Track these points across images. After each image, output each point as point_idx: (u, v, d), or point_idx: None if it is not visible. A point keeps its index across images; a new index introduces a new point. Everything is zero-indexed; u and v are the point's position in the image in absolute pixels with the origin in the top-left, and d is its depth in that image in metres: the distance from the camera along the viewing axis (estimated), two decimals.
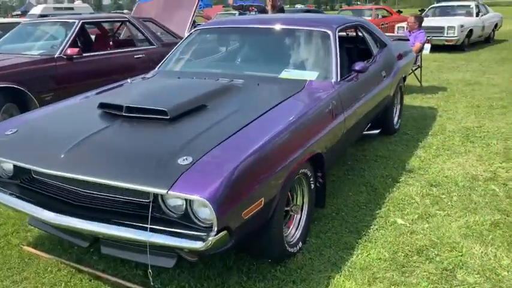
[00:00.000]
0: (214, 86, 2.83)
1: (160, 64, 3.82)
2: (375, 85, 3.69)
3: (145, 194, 1.98)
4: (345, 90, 3.05)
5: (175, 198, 1.90)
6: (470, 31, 12.15)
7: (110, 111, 2.54)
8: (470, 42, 12.50)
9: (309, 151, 2.42)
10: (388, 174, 3.70)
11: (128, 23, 6.18)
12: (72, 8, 25.96)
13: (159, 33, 6.59)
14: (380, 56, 4.06)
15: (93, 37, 6.87)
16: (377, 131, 4.03)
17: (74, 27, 5.38)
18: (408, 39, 6.35)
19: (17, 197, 2.32)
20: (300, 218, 2.58)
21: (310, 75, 3.13)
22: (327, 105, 2.75)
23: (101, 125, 2.39)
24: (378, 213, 3.04)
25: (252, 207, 1.94)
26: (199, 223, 1.88)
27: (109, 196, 2.11)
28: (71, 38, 5.28)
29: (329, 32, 3.32)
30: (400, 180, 3.58)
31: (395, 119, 4.77)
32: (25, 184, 2.40)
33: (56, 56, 5.07)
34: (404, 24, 11.35)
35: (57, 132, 2.45)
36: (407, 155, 4.14)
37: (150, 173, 1.92)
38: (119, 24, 6.90)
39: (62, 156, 2.12)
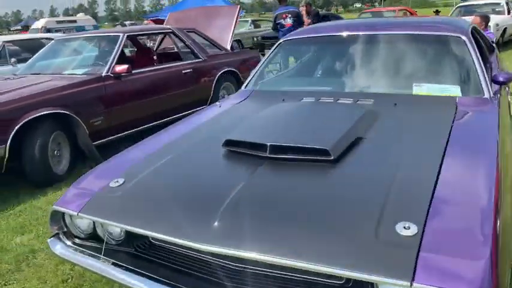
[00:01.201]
0: (354, 112, 2.25)
1: (247, 82, 3.25)
2: None
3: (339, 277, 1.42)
4: (502, 109, 2.48)
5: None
6: (504, 30, 11.63)
7: (241, 150, 1.96)
8: (504, 41, 11.99)
9: None
10: None
11: (172, 35, 5.61)
12: (75, 21, 25.43)
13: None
14: (494, 62, 3.51)
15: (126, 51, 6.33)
16: None
17: (119, 41, 4.82)
18: None
19: (134, 271, 1.75)
20: None
21: (453, 90, 2.56)
22: (504, 130, 2.17)
23: (242, 173, 1.82)
24: None
25: None
26: None
27: (279, 274, 1.53)
28: (117, 54, 4.72)
29: (463, 37, 2.76)
30: None
31: None
32: (142, 253, 1.82)
33: (103, 74, 4.50)
34: None
35: (181, 183, 1.87)
36: None
37: (366, 253, 1.33)
38: (161, 36, 6.33)
39: (216, 224, 1.53)
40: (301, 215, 1.52)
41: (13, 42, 7.10)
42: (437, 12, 15.80)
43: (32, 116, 3.79)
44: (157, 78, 5.09)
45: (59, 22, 24.23)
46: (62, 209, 1.87)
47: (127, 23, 21.98)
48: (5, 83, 4.55)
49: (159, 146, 2.28)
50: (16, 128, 3.68)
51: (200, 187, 1.79)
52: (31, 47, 7.76)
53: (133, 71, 4.67)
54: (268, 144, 1.86)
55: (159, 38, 7.01)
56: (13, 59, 6.77)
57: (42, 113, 3.87)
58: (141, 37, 6.46)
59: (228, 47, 6.42)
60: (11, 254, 2.87)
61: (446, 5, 43.95)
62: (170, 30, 5.57)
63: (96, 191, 1.91)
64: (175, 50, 5.98)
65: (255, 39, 15.18)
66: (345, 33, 3.15)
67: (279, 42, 3.39)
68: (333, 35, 3.15)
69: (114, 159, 2.28)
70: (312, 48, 3.47)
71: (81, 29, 21.84)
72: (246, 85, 3.24)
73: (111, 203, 1.84)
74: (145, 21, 21.84)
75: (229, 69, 6.14)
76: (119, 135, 4.68)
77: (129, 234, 1.83)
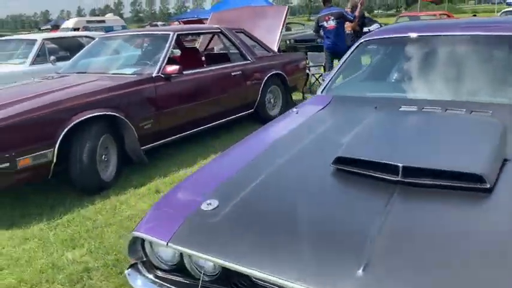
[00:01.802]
0: (489, 126, 1.88)
1: (323, 87, 2.90)
2: None
3: None
4: None
5: None
6: None
7: (358, 170, 1.61)
8: None
9: None
10: None
11: (220, 35, 5.31)
12: (104, 21, 25.53)
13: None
14: None
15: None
16: None
17: (169, 40, 4.54)
18: None
19: None
20: None
21: None
22: None
23: (371, 202, 1.48)
24: None
25: None
26: None
27: None
28: (168, 54, 4.43)
29: None
30: None
31: None
32: None
33: (154, 75, 4.22)
34: None
35: (292, 212, 1.53)
36: None
37: None
38: (210, 36, 6.04)
39: (361, 272, 1.19)
40: (472, 263, 1.17)
41: (52, 40, 6.92)
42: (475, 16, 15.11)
43: (82, 118, 3.52)
44: (207, 80, 4.80)
45: (88, 22, 24.31)
46: (147, 237, 1.55)
47: (159, 23, 21.82)
48: (50, 82, 4.32)
49: (247, 159, 1.95)
50: (65, 130, 3.42)
51: (321, 218, 1.45)
52: (69, 46, 7.60)
53: (183, 72, 4.37)
54: (401, 165, 1.51)
55: (201, 38, 6.74)
56: (52, 57, 6.57)
57: (93, 115, 3.60)
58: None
59: (276, 49, 6.10)
60: (64, 272, 2.58)
61: (485, 10, 42.83)
62: (219, 30, 5.27)
63: (185, 215, 1.59)
64: (223, 50, 5.68)
65: (288, 42, 14.84)
66: (432, 34, 2.78)
67: (359, 42, 3.03)
68: (419, 35, 2.78)
69: (199, 174, 1.96)
70: (394, 49, 3.10)
71: (109, 29, 21.83)
72: (323, 90, 2.89)
73: (206, 232, 1.51)
74: (175, 23, 21.81)
75: (277, 71, 5.81)
76: (167, 139, 4.39)
77: (226, 269, 1.50)
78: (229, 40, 5.33)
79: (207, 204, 1.61)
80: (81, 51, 5.11)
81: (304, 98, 7.26)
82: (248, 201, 1.61)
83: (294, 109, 2.68)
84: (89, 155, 3.55)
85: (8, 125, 3.14)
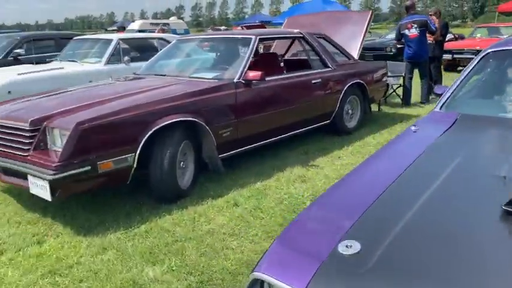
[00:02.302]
0: None
1: (443, 102, 2.52)
2: None
3: None
4: None
5: None
6: None
7: None
8: None
9: None
10: None
11: (302, 40, 5.02)
12: (168, 24, 26.04)
13: None
14: None
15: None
16: None
17: (252, 44, 4.30)
18: None
19: None
20: None
21: None
22: None
23: None
24: None
25: None
26: None
27: None
28: (250, 58, 4.20)
29: None
30: None
31: None
32: None
33: (235, 80, 3.99)
34: None
35: (463, 269, 1.19)
36: None
37: None
38: (290, 41, 5.78)
39: None
40: None
41: (126, 40, 6.92)
42: None
43: (167, 122, 3.35)
44: (288, 88, 4.52)
45: (152, 24, 24.88)
46: (274, 282, 1.26)
47: (222, 28, 21.90)
48: (130, 83, 4.21)
49: (378, 190, 1.62)
50: (148, 134, 3.25)
51: (498, 278, 1.10)
52: (141, 47, 7.60)
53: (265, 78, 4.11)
54: None
55: (275, 42, 6.49)
56: (126, 58, 6.56)
57: (176, 120, 3.42)
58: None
59: (357, 56, 5.72)
60: None
61: None
62: (301, 35, 4.98)
63: (321, 258, 1.28)
64: (302, 56, 5.38)
65: None
66: None
67: (485, 52, 2.63)
68: None
69: (324, 201, 1.66)
70: None
71: (173, 32, 22.25)
72: (442, 105, 2.51)
73: (348, 284, 1.20)
74: (239, 28, 21.82)
75: (358, 81, 5.44)
76: (244, 148, 4.15)
77: None
78: (310, 45, 5.03)
79: (345, 247, 1.30)
80: (159, 53, 5.00)
81: (379, 110, 6.83)
82: (399, 247, 1.29)
83: (412, 128, 2.32)
84: (169, 161, 3.36)
85: (91, 127, 3.00)
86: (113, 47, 6.59)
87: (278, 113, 4.38)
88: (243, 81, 4.02)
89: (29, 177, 3.05)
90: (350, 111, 5.54)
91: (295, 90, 4.61)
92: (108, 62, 6.51)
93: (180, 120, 3.46)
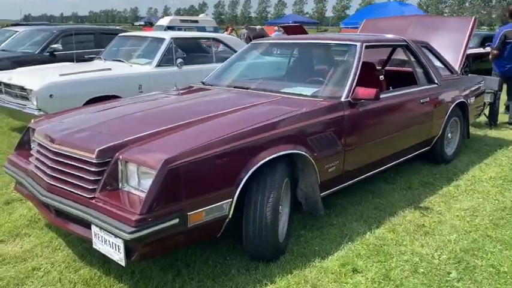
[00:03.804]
0: None
1: None
2: None
3: None
4: None
5: None
6: None
7: None
8: None
9: None
10: None
11: (405, 48, 4.13)
12: (197, 21, 25.37)
13: None
14: None
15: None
16: None
17: (358, 53, 3.43)
18: None
19: None
20: None
21: None
22: None
23: None
24: None
25: None
26: None
27: None
28: (358, 71, 3.33)
29: None
30: None
31: None
32: None
33: (343, 100, 3.13)
34: None
35: None
36: None
37: None
38: (391, 50, 4.88)
39: None
40: None
41: (178, 39, 6.10)
42: None
43: (271, 157, 2.51)
44: (398, 108, 3.66)
45: (182, 21, 24.20)
46: None
47: (257, 27, 20.99)
48: (204, 99, 3.37)
49: None
50: (248, 174, 2.42)
51: None
52: (193, 48, 6.81)
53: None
54: None
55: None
56: (180, 60, 5.76)
57: (282, 153, 2.59)
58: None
59: (459, 70, 4.81)
60: None
61: None
62: (405, 43, 4.09)
63: None
64: (406, 68, 4.49)
65: None
66: None
67: None
68: None
69: None
70: None
71: (202, 29, 21.52)
72: None
73: None
74: (275, 28, 20.95)
75: (462, 100, 4.54)
76: (346, 184, 3.29)
77: None
78: (415, 56, 4.14)
79: None
80: (231, 59, 4.16)
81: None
82: None
83: None
84: (272, 208, 2.52)
85: (184, 165, 2.18)
86: (166, 47, 5.79)
87: (386, 140, 3.52)
88: (351, 101, 3.16)
89: (94, 228, 2.24)
90: (449, 135, 4.64)
91: (405, 111, 3.74)
92: (160, 64, 5.72)
93: (284, 154, 2.62)
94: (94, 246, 2.28)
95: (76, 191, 2.33)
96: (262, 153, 2.50)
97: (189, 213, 2.21)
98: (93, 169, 2.29)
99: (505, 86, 6.42)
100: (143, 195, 2.16)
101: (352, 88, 3.19)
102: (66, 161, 2.43)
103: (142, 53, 6.13)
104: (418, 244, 2.92)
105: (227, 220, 2.42)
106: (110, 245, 2.17)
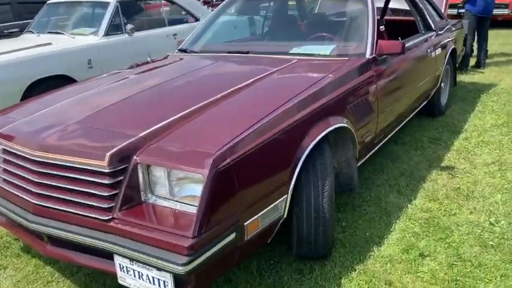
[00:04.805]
0: None
1: None
2: None
3: None
4: None
5: None
6: None
7: None
8: None
9: None
10: None
11: None
12: None
13: None
14: None
15: None
16: None
17: (370, 6, 2.97)
18: None
19: None
20: None
21: None
22: None
23: None
24: None
25: None
26: None
27: None
28: (375, 21, 2.88)
29: None
30: None
31: None
32: None
33: (368, 56, 2.68)
34: None
35: None
36: None
37: None
38: None
39: None
40: None
41: (124, 2, 5.20)
42: None
43: (321, 136, 2.03)
44: (413, 60, 3.28)
45: None
46: None
47: None
48: (204, 70, 2.76)
49: None
50: (301, 160, 1.93)
51: None
52: (135, 9, 5.90)
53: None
54: None
55: None
56: (130, 26, 4.94)
57: (331, 129, 2.11)
58: None
59: (445, 14, 4.53)
60: None
61: None
62: None
63: None
64: (405, 16, 4.10)
65: None
66: None
67: None
68: None
69: None
70: None
71: None
72: None
73: None
74: None
75: (453, 47, 4.28)
76: (373, 151, 2.91)
77: None
78: (413, 2, 3.75)
79: None
80: (211, 18, 3.49)
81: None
82: None
83: None
84: (329, 197, 2.07)
85: (236, 163, 1.63)
86: (112, 13, 4.93)
87: (405, 96, 3.17)
88: (377, 57, 2.72)
89: (119, 260, 1.66)
90: (442, 84, 4.39)
91: (418, 63, 3.38)
92: (108, 32, 4.88)
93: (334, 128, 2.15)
94: (121, 282, 1.71)
95: (84, 213, 1.71)
96: (312, 132, 2.01)
97: (245, 224, 1.69)
98: (106, 181, 1.68)
99: None
100: (188, 209, 1.61)
101: (374, 42, 2.74)
102: (61, 173, 1.78)
103: (83, 22, 5.21)
104: (467, 211, 2.63)
105: (281, 221, 1.93)
106: (151, 281, 1.61)
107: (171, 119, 1.90)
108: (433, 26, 3.85)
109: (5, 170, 2.05)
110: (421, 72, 3.46)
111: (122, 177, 1.69)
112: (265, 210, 1.78)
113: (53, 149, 1.80)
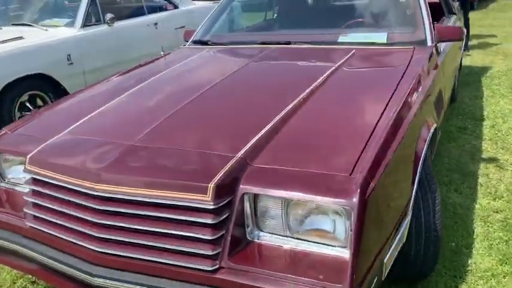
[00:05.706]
0: None
1: None
2: None
3: None
4: None
5: None
6: None
7: None
8: None
9: None
10: None
11: None
12: None
13: None
14: None
15: None
16: None
17: None
18: None
19: None
20: None
21: None
22: None
23: None
24: None
25: None
26: None
27: None
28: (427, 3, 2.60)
29: None
30: None
31: None
32: None
33: (429, 43, 2.40)
34: None
35: None
36: None
37: None
38: None
39: None
40: None
41: None
42: None
43: (428, 137, 1.73)
44: (453, 46, 3.05)
45: None
46: None
47: None
48: (255, 69, 2.33)
49: None
50: (418, 174, 1.60)
51: None
52: None
53: None
54: None
55: None
56: (110, 15, 4.37)
57: (432, 131, 1.82)
58: None
59: None
60: None
61: None
62: None
63: None
64: None
65: None
66: None
67: None
68: None
69: None
70: None
71: None
72: None
73: None
74: None
75: (462, 29, 4.11)
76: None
77: None
78: None
79: None
80: (227, 4, 3.06)
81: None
82: None
83: None
84: (440, 212, 1.77)
85: (377, 190, 1.28)
86: (88, 1, 4.33)
87: (449, 86, 2.94)
88: (435, 45, 2.45)
89: None
90: None
91: (454, 48, 3.16)
92: (85, 23, 4.28)
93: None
94: None
95: (179, 262, 1.30)
96: (423, 133, 1.70)
97: (385, 260, 1.36)
98: (210, 221, 1.27)
99: None
100: (316, 248, 1.26)
101: (433, 27, 2.47)
102: (138, 212, 1.34)
103: (52, 11, 4.57)
104: None
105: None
106: None
107: (265, 129, 1.51)
108: (453, 8, 3.65)
109: (37, 206, 1.57)
110: (456, 57, 3.25)
111: (228, 213, 1.29)
112: (397, 239, 1.45)
113: (124, 181, 1.35)
